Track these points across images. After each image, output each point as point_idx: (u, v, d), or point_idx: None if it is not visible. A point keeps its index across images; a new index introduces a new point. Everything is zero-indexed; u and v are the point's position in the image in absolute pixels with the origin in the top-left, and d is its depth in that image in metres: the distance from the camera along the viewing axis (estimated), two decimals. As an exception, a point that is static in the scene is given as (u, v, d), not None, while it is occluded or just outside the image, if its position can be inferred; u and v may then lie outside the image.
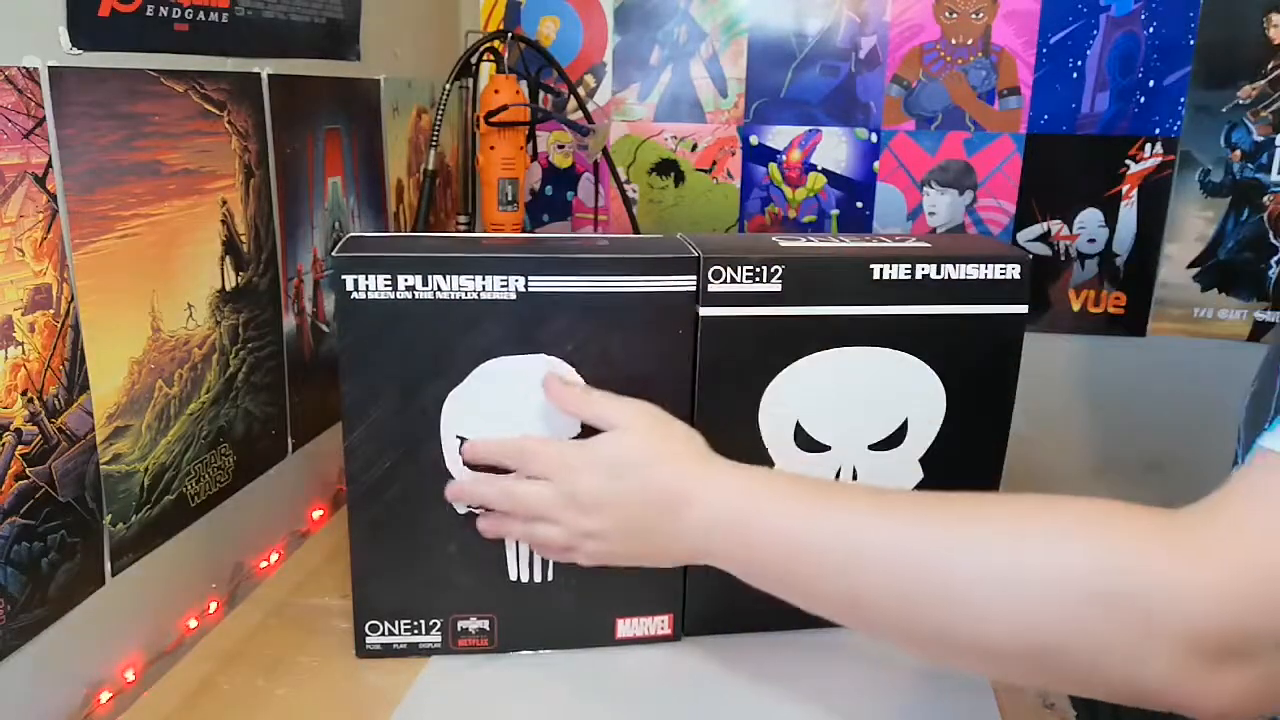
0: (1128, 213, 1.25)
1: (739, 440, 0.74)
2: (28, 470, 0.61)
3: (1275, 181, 1.21)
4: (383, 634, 0.74)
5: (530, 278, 0.68)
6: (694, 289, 0.70)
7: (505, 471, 0.68)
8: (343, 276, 0.67)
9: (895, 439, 0.76)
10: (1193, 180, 1.23)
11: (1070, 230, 1.27)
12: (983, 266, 0.73)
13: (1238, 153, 1.21)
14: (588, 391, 0.67)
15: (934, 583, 0.50)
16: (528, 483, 0.66)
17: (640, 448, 0.63)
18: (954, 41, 1.23)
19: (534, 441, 0.67)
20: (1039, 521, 0.51)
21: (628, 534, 0.63)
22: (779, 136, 1.29)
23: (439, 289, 0.68)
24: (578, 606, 0.76)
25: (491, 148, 1.08)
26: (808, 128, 1.28)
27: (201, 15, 0.73)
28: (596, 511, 0.63)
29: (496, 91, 1.07)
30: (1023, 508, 0.52)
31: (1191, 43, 1.19)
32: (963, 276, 0.73)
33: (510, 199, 1.10)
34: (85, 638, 0.67)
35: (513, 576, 0.74)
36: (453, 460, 0.71)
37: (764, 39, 1.26)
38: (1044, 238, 1.28)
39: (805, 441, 0.75)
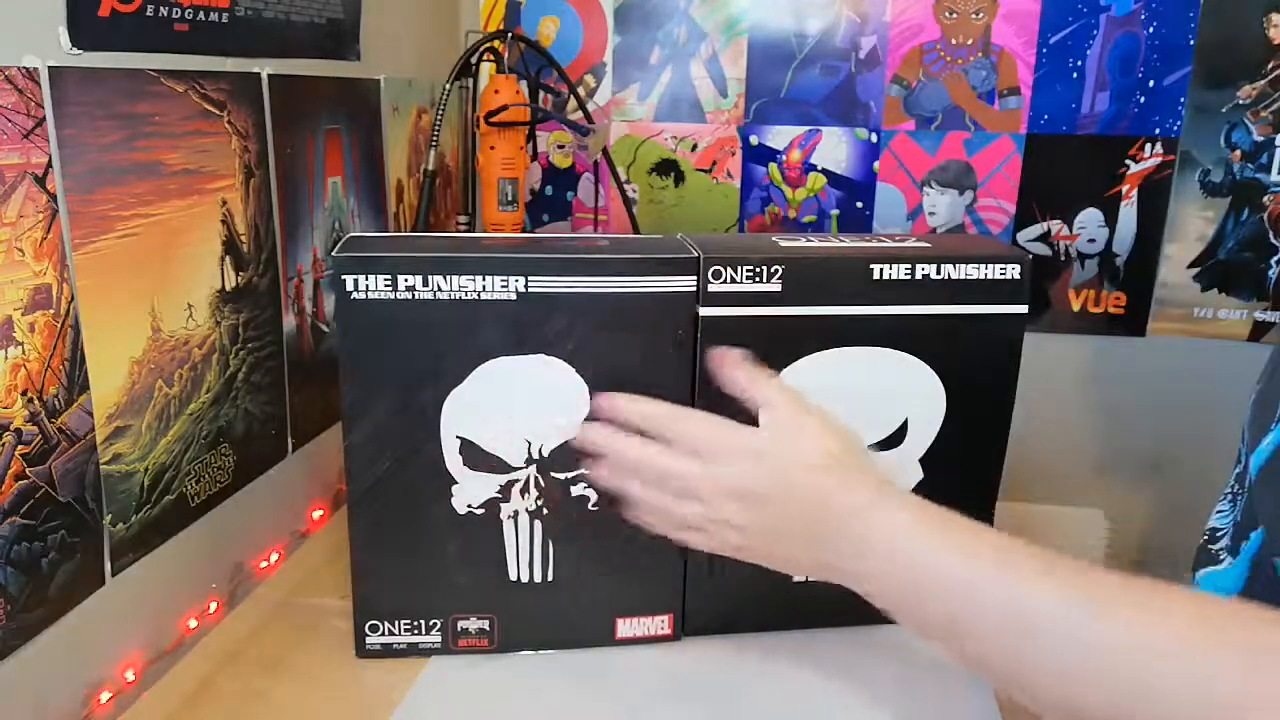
0: (1128, 213, 1.25)
1: (739, 440, 0.74)
2: (28, 470, 0.61)
3: (1275, 181, 1.21)
4: (383, 634, 0.74)
5: (530, 278, 0.68)
6: (694, 289, 0.70)
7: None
8: (343, 276, 0.67)
9: (895, 439, 0.76)
10: (1193, 180, 1.23)
11: (1070, 230, 1.27)
12: (983, 266, 0.73)
13: (1238, 153, 1.21)
14: (766, 376, 0.63)
15: (1112, 683, 0.47)
16: (676, 456, 0.61)
17: (812, 449, 0.60)
18: (954, 41, 1.23)
19: (692, 414, 0.62)
20: (1228, 636, 0.47)
21: (773, 533, 0.59)
22: (779, 136, 1.29)
23: (439, 289, 0.68)
24: (578, 606, 0.76)
25: (491, 148, 1.08)
26: (808, 128, 1.28)
27: (201, 15, 0.73)
28: (744, 502, 0.59)
29: (496, 91, 1.07)
30: (1208, 613, 0.48)
31: (1191, 43, 1.19)
32: (963, 276, 0.73)
33: (510, 199, 1.10)
34: (85, 638, 0.67)
35: (513, 576, 0.74)
36: (453, 461, 0.71)
37: (764, 39, 1.26)
38: (1044, 238, 1.28)
39: (805, 441, 0.74)
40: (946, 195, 1.28)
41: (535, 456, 0.72)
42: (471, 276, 0.68)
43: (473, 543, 0.73)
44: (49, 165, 0.61)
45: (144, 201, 0.70)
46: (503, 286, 0.68)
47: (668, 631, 0.78)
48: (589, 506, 0.73)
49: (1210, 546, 0.78)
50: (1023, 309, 0.74)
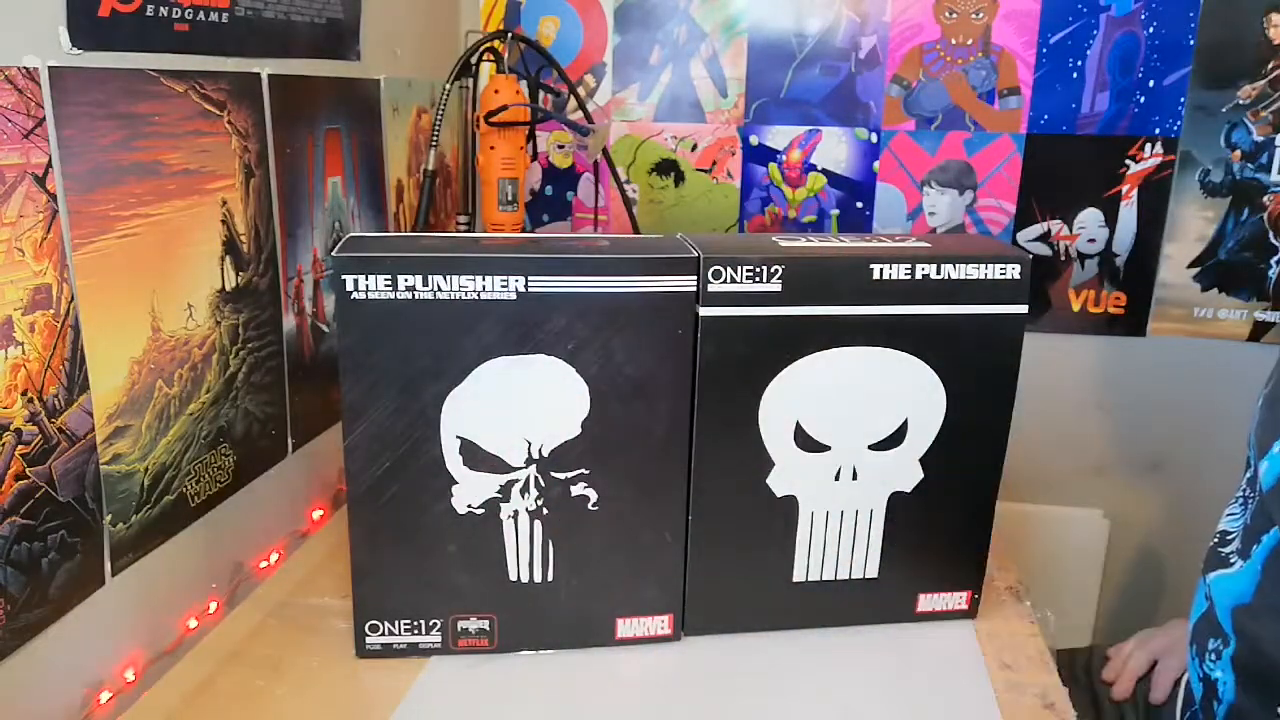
0: (1128, 213, 1.25)
1: (739, 440, 0.74)
2: (28, 470, 0.61)
3: (1275, 181, 1.21)
4: (383, 634, 0.74)
5: (530, 278, 0.68)
6: (694, 289, 0.70)
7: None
8: (343, 276, 0.67)
9: (895, 439, 0.76)
10: (1193, 180, 1.23)
11: (1070, 230, 1.27)
12: (983, 266, 0.73)
13: (1238, 153, 1.21)
14: None
15: None
16: None
17: None
18: (954, 41, 1.23)
19: None
20: None
21: None
22: (779, 136, 1.29)
23: (439, 289, 0.68)
24: (578, 606, 0.76)
25: (491, 148, 1.08)
26: (808, 128, 1.28)
27: (201, 15, 0.73)
28: None
29: (496, 91, 1.07)
30: None
31: (1191, 43, 1.19)
32: (963, 276, 0.73)
33: (510, 199, 1.10)
34: (85, 638, 0.67)
35: (513, 576, 0.74)
36: (453, 461, 0.71)
37: (764, 39, 1.26)
38: (1044, 238, 1.28)
39: (805, 441, 0.75)
40: (946, 195, 1.28)
41: (535, 456, 0.72)
42: (471, 276, 0.68)
43: (473, 543, 0.73)
44: (49, 165, 0.61)
45: (144, 201, 0.70)
46: (503, 286, 0.68)
47: (668, 631, 0.78)
48: (589, 506, 0.73)
49: (1221, 550, 0.78)
50: (1023, 309, 0.74)
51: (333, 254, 0.70)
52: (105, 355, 0.67)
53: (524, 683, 0.73)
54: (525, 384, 0.70)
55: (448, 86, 1.08)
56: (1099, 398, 1.32)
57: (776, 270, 0.70)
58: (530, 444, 0.71)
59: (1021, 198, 1.27)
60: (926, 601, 0.81)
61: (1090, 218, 1.26)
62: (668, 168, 1.32)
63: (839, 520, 0.77)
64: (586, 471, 0.72)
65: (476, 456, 0.71)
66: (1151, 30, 1.19)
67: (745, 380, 0.73)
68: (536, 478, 0.72)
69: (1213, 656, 0.76)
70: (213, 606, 0.81)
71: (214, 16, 0.75)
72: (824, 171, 1.29)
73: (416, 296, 0.68)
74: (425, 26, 1.19)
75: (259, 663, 0.74)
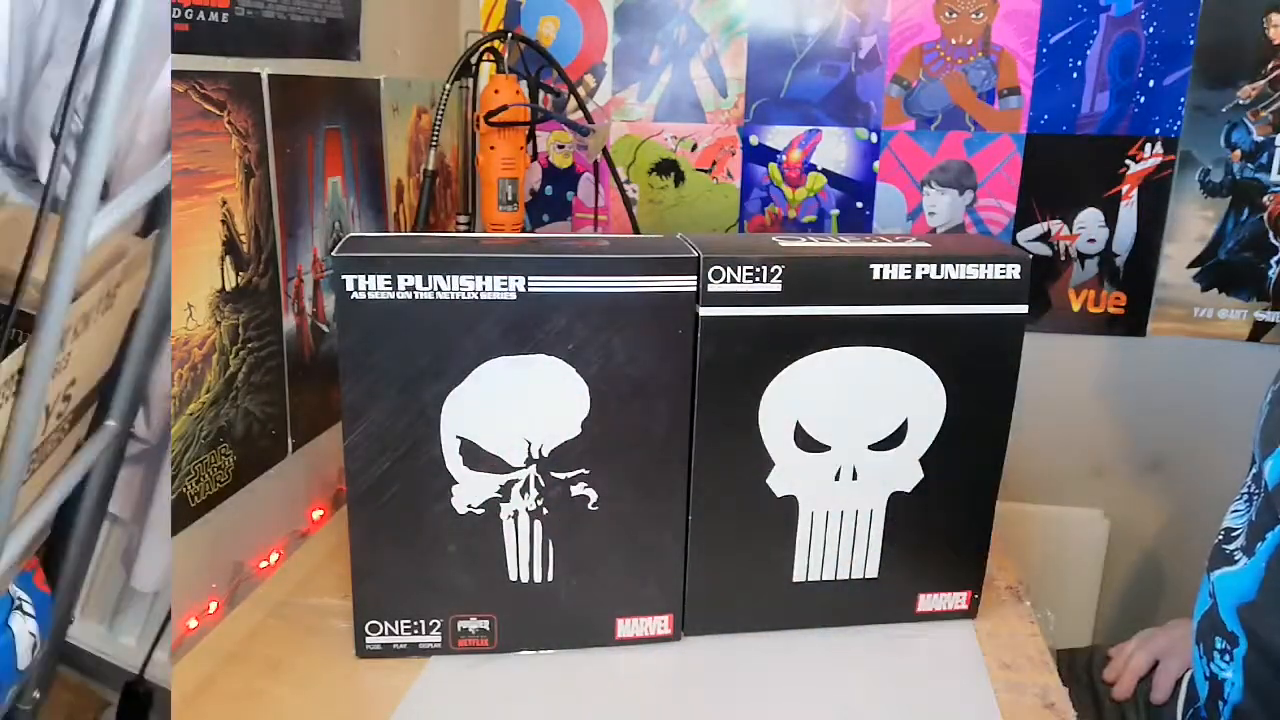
0: (1128, 213, 1.25)
1: (739, 440, 0.74)
2: (28, 470, 0.61)
3: (1275, 181, 1.21)
4: (383, 634, 0.74)
5: (530, 278, 0.68)
6: (694, 289, 0.70)
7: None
8: (343, 276, 0.67)
9: (895, 439, 0.76)
10: (1193, 180, 1.23)
11: (1070, 230, 1.27)
12: (983, 266, 0.73)
13: (1238, 153, 1.21)
14: None
15: None
16: None
17: None
18: (954, 41, 1.23)
19: None
20: None
21: None
22: (779, 136, 1.29)
23: (439, 289, 0.68)
24: (578, 606, 0.76)
25: (491, 148, 1.08)
26: (808, 128, 1.28)
27: (201, 15, 0.73)
28: None
29: (496, 91, 1.07)
30: None
31: (1191, 43, 1.19)
32: (963, 276, 0.73)
33: (510, 199, 1.10)
34: (85, 638, 0.68)
35: (513, 576, 0.74)
36: (453, 461, 0.71)
37: (764, 39, 1.26)
38: (1044, 238, 1.28)
39: (805, 441, 0.75)
40: (946, 195, 1.28)
41: (535, 456, 0.72)
42: (471, 276, 0.68)
43: (473, 543, 0.73)
44: (49, 165, 0.61)
45: (144, 201, 0.70)
46: (503, 286, 0.68)
47: (668, 631, 0.78)
48: (589, 506, 0.73)
49: (1225, 547, 0.78)
50: (1023, 309, 0.74)
51: (333, 254, 0.70)
52: (105, 355, 0.67)
53: (524, 683, 0.73)
54: (525, 384, 0.70)
55: (448, 86, 1.08)
56: (1099, 398, 1.32)
57: (776, 270, 0.70)
58: (530, 444, 0.71)
59: (1021, 198, 1.27)
60: (926, 601, 0.81)
61: (1090, 218, 1.26)
62: (668, 168, 1.32)
63: (839, 520, 0.77)
64: (586, 471, 0.72)
65: (476, 456, 0.71)
66: (1151, 30, 1.19)
67: (745, 380, 0.73)
68: (536, 478, 0.72)
69: (1224, 657, 0.76)
70: (213, 606, 0.81)
71: (214, 16, 0.75)
72: (824, 171, 1.29)
73: (416, 296, 0.68)
74: (425, 26, 1.19)
75: (259, 663, 0.74)
